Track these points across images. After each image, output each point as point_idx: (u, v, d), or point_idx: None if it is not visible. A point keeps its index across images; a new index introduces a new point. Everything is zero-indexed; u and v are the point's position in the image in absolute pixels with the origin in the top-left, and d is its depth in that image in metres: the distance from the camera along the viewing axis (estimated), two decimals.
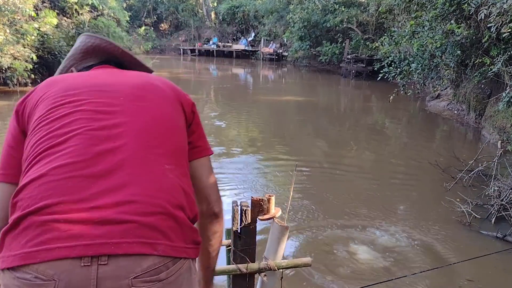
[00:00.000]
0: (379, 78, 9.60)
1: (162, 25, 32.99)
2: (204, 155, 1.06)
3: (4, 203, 0.84)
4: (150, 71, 1.18)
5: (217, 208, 1.08)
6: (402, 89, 9.12)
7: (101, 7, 15.09)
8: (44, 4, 13.14)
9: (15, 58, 10.42)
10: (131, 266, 0.73)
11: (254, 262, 1.61)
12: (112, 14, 16.19)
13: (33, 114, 0.90)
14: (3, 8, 10.39)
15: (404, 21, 9.74)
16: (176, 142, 0.93)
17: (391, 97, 8.76)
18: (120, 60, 1.13)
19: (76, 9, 14.28)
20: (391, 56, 9.60)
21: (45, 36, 11.96)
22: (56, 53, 12.34)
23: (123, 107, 0.90)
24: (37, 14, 12.06)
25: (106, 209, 0.74)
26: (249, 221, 1.56)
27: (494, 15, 5.73)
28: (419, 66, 8.57)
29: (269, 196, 1.59)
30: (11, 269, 0.72)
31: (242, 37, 29.31)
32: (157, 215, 0.78)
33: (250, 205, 1.57)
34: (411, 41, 8.50)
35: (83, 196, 0.75)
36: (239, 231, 1.56)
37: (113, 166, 0.80)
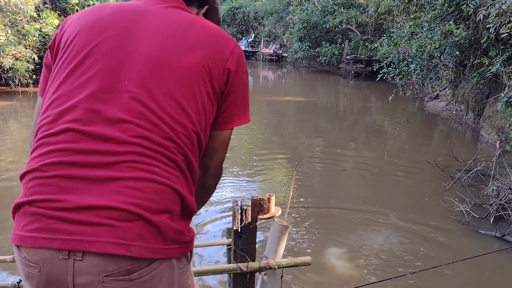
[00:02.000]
0: (378, 78, 9.62)
1: None
2: (224, 128, 0.97)
3: (38, 114, 0.94)
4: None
5: (210, 182, 1.04)
6: (401, 89, 9.14)
7: None
8: (46, 5, 13.16)
9: (16, 59, 10.44)
10: (103, 265, 0.76)
11: (254, 261, 1.63)
12: None
13: (59, 50, 0.92)
14: (4, 9, 10.41)
15: (403, 22, 9.75)
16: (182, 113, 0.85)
17: (390, 98, 8.78)
18: None
19: (77, 10, 14.31)
20: (390, 57, 9.63)
21: (47, 36, 11.96)
22: None
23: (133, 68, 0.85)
24: (39, 15, 12.07)
25: (85, 211, 0.77)
26: (250, 221, 1.57)
27: (492, 15, 5.75)
28: (418, 66, 8.60)
29: (269, 195, 1.61)
30: (15, 245, 0.82)
31: (242, 38, 29.31)
32: (134, 221, 0.78)
33: (250, 205, 1.58)
34: (410, 42, 8.52)
35: (65, 198, 0.78)
36: (239, 230, 1.59)
37: (99, 170, 0.79)
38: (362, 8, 17.52)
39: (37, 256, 0.78)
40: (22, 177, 0.85)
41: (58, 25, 12.68)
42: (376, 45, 11.73)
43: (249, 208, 1.57)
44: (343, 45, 18.28)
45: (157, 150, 0.82)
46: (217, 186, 1.09)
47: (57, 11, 13.56)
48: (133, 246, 0.77)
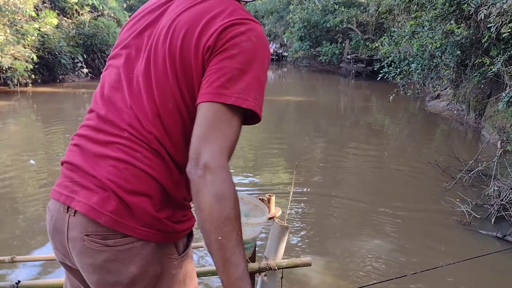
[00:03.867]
0: (379, 78, 9.60)
1: None
2: (202, 100, 0.83)
3: None
4: None
5: (194, 174, 0.78)
6: (402, 89, 9.12)
7: (101, 8, 15.08)
8: (45, 5, 13.14)
9: (15, 58, 10.43)
10: (85, 225, 0.87)
11: (254, 261, 1.61)
12: (112, 15, 16.16)
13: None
14: (3, 9, 10.40)
15: (404, 21, 9.74)
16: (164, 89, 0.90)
17: (391, 97, 8.76)
18: None
19: (76, 10, 14.28)
20: (391, 56, 9.59)
21: (46, 36, 11.96)
22: (56, 53, 12.35)
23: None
24: (38, 15, 12.06)
25: (84, 176, 0.90)
26: None
27: (494, 15, 5.74)
28: (419, 66, 8.58)
29: (269, 196, 1.60)
30: None
31: None
32: (110, 194, 0.86)
33: None
34: (411, 41, 8.50)
35: (76, 162, 0.92)
36: None
37: (100, 146, 0.91)
38: (362, 7, 17.51)
39: (52, 206, 0.95)
40: None
41: (57, 25, 12.68)
42: (376, 45, 11.67)
43: None
44: (343, 45, 18.27)
45: (141, 139, 0.89)
46: (213, 189, 0.76)
47: (56, 11, 13.55)
48: (104, 215, 0.85)
